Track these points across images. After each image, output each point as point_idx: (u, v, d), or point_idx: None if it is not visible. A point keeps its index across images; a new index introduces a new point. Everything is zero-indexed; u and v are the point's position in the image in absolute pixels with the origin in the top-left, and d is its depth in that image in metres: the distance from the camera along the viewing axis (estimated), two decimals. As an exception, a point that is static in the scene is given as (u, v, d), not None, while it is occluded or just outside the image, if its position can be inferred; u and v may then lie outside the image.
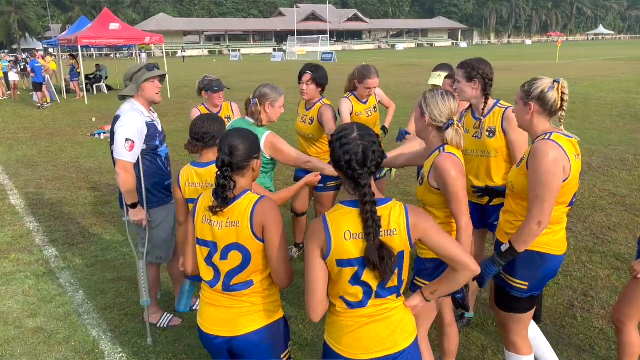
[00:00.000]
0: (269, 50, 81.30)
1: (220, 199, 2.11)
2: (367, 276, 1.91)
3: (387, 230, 1.89)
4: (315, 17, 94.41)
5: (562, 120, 2.58)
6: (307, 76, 4.24)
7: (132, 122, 3.45)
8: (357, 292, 1.95)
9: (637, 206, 6.27)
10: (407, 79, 24.97)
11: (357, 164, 1.87)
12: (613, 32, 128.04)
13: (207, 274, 2.23)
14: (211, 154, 2.85)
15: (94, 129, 12.85)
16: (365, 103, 4.49)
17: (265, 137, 3.35)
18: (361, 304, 1.96)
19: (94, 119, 14.59)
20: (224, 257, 2.15)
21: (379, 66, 36.42)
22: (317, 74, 4.21)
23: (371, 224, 1.84)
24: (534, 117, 2.55)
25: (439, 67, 4.27)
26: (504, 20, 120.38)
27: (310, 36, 70.95)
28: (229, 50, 78.42)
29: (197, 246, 2.25)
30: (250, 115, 3.49)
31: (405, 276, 2.00)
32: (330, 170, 3.30)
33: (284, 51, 59.59)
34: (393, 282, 1.96)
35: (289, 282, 2.22)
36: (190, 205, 2.86)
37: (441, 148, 2.57)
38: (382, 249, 1.85)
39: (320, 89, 4.28)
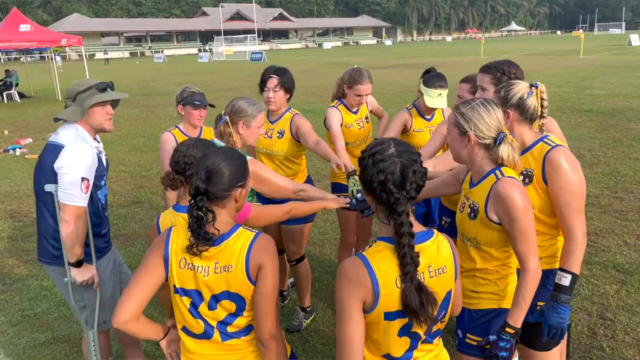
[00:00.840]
0: (194, 50, 79.27)
1: (201, 237, 1.71)
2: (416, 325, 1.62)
3: (438, 269, 1.65)
4: (241, 16, 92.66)
5: (543, 128, 2.29)
6: (274, 81, 3.44)
7: (84, 155, 2.62)
8: (405, 344, 1.67)
9: (614, 206, 6.08)
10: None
11: (393, 186, 1.57)
12: (524, 29, 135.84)
13: (194, 326, 1.84)
14: None
15: (7, 144, 11.34)
16: (356, 113, 3.82)
17: None
18: (407, 357, 1.69)
19: (6, 132, 12.94)
20: (212, 307, 1.80)
21: (311, 65, 36.75)
22: (284, 77, 3.46)
23: (409, 261, 1.55)
24: (514, 125, 2.25)
25: (432, 82, 3.45)
26: (425, 18, 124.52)
27: (236, 36, 69.38)
28: (152, 52, 75.17)
29: (175, 295, 1.82)
30: (219, 136, 2.74)
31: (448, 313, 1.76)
32: (334, 201, 2.64)
33: (211, 51, 57.85)
34: (441, 325, 1.74)
35: (274, 342, 1.82)
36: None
37: (497, 171, 2.02)
38: (422, 292, 1.56)
39: (288, 96, 3.54)
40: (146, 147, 10.76)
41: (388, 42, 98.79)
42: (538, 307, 2.24)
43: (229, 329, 1.83)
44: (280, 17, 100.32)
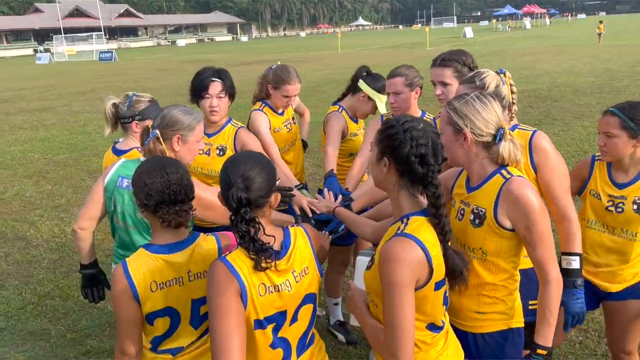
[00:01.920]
0: (29, 51, 71.03)
1: (263, 249, 1.58)
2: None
3: None
4: (81, 12, 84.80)
5: (513, 116, 2.24)
6: (218, 86, 2.89)
7: None
8: (443, 311, 1.73)
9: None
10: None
11: (432, 158, 1.61)
12: (370, 23, 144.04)
13: (273, 358, 1.68)
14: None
15: None
16: (282, 114, 3.40)
17: None
18: (443, 325, 1.74)
19: None
20: (294, 319, 1.71)
21: (169, 63, 34.98)
22: (228, 81, 2.93)
23: (448, 229, 1.65)
24: None
25: (384, 86, 3.11)
26: (278, 14, 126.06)
27: (79, 34, 63.45)
28: (-24, 54, 65.75)
29: (255, 332, 1.63)
30: (147, 154, 2.21)
31: None
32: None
33: (50, 52, 52.16)
34: None
35: None
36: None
37: (502, 171, 1.84)
38: (458, 255, 1.67)
39: (230, 103, 3.02)
40: (-7, 164, 9.16)
41: (244, 39, 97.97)
42: (530, 307, 2.11)
43: (307, 341, 1.77)
44: (127, 14, 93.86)
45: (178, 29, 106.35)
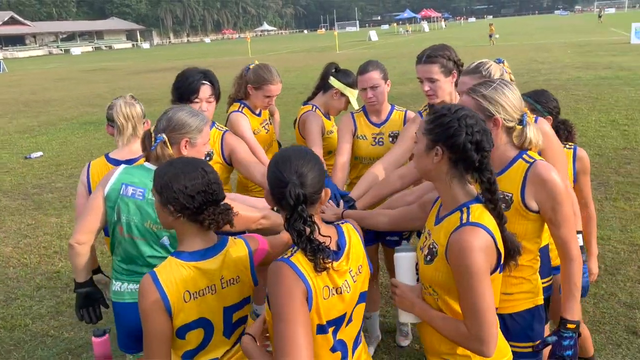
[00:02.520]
0: None
1: (320, 249, 1.49)
2: None
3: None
4: (-43, 20, 77.28)
5: None
6: (208, 89, 2.70)
7: None
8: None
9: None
10: (116, 84, 22.58)
11: (487, 144, 1.62)
12: (275, 28, 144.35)
13: None
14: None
15: None
16: (259, 115, 3.28)
17: None
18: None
19: None
20: (350, 320, 1.65)
21: (66, 72, 32.84)
22: (216, 83, 2.76)
23: (503, 211, 1.67)
24: None
25: (355, 82, 3.13)
26: (180, 20, 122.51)
27: (-43, 43, 57.57)
28: None
29: (317, 337, 1.54)
30: (155, 161, 2.06)
31: None
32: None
33: None
34: None
35: None
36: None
37: (524, 155, 1.91)
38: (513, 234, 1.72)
39: (215, 106, 2.85)
40: None
41: (145, 45, 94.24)
42: (544, 284, 2.19)
43: (359, 341, 1.73)
44: (12, 21, 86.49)
45: (71, 37, 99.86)
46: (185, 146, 2.07)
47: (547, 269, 2.24)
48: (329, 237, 1.58)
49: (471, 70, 2.24)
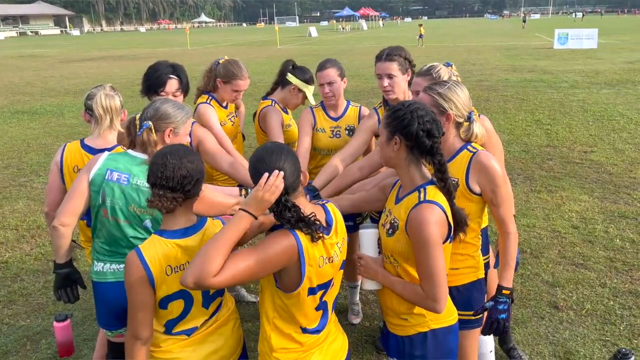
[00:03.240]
0: None
1: (312, 223, 1.73)
2: None
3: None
4: None
5: None
6: (175, 84, 2.81)
7: None
8: None
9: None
10: (48, 72, 21.53)
11: (437, 131, 1.89)
12: (214, 20, 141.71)
13: (315, 320, 1.91)
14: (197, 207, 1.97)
15: None
16: (226, 108, 3.43)
17: None
18: None
19: None
20: (333, 284, 1.93)
21: (-8, 59, 30.55)
22: (184, 78, 2.87)
23: (453, 188, 1.94)
24: None
25: (303, 76, 3.40)
26: (113, 7, 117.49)
27: None
28: None
29: (308, 298, 1.83)
30: (140, 147, 2.20)
31: None
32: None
33: None
34: None
35: None
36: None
37: (469, 146, 2.21)
38: (461, 209, 2.00)
39: (183, 100, 2.97)
40: None
41: (75, 32, 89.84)
42: (484, 260, 2.50)
43: (335, 302, 2.00)
44: None
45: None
46: (169, 135, 2.23)
47: (486, 248, 2.58)
48: (314, 213, 1.77)
49: (423, 72, 2.54)
